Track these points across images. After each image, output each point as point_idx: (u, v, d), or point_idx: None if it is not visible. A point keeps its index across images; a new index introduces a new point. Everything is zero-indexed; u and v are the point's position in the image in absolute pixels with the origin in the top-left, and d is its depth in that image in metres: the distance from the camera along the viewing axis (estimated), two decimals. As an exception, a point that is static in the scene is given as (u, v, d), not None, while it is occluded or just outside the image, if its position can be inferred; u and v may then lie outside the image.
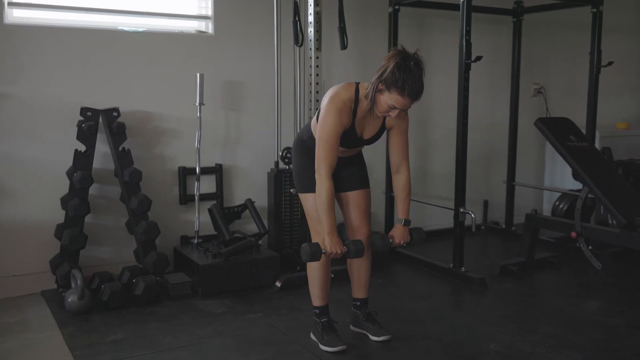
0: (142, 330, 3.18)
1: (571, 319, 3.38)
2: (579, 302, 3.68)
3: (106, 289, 3.43)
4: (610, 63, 4.60)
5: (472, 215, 3.93)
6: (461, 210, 3.99)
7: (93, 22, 3.85)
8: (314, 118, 2.92)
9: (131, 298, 3.50)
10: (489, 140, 5.38)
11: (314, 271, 3.02)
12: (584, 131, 4.59)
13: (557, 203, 5.14)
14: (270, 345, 3.03)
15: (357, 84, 2.81)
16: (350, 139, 2.86)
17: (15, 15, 3.62)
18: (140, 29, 3.96)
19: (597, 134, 5.18)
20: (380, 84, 2.68)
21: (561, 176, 5.64)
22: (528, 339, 3.10)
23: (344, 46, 3.96)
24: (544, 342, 3.05)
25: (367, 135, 2.90)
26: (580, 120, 4.66)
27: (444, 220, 4.87)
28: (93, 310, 3.39)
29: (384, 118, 2.86)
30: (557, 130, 4.06)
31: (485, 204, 5.41)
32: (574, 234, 3.93)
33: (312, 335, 3.08)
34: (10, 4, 3.58)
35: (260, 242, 4.01)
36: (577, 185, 5.12)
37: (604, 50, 4.65)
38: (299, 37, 3.95)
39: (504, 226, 5.30)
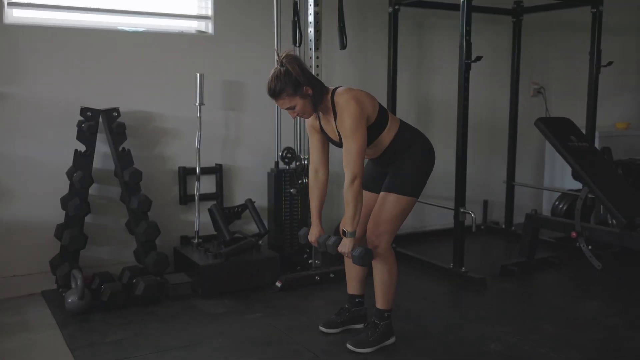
0: (143, 330, 3.17)
1: (571, 319, 3.38)
2: (579, 302, 3.68)
3: (106, 289, 3.43)
4: (610, 63, 4.60)
5: (473, 215, 3.93)
6: (461, 210, 3.99)
7: (93, 22, 3.84)
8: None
9: (131, 298, 3.50)
10: (488, 139, 5.38)
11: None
12: (583, 131, 4.59)
13: (556, 203, 5.14)
14: (270, 345, 3.03)
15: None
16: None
17: (15, 15, 3.61)
18: (140, 29, 3.95)
19: (597, 134, 5.19)
20: None
21: (561, 176, 5.64)
22: (528, 339, 3.10)
23: (343, 46, 3.97)
24: (544, 342, 3.05)
25: (331, 137, 2.91)
26: (580, 120, 4.66)
27: (443, 220, 4.88)
28: (93, 310, 3.39)
29: (334, 121, 2.81)
30: (557, 130, 4.06)
31: (485, 203, 5.41)
32: (574, 234, 3.93)
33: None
34: (10, 4, 3.58)
35: (260, 242, 4.01)
36: (577, 185, 5.11)
37: (604, 50, 4.65)
38: (297, 37, 3.95)
39: (503, 226, 5.30)
